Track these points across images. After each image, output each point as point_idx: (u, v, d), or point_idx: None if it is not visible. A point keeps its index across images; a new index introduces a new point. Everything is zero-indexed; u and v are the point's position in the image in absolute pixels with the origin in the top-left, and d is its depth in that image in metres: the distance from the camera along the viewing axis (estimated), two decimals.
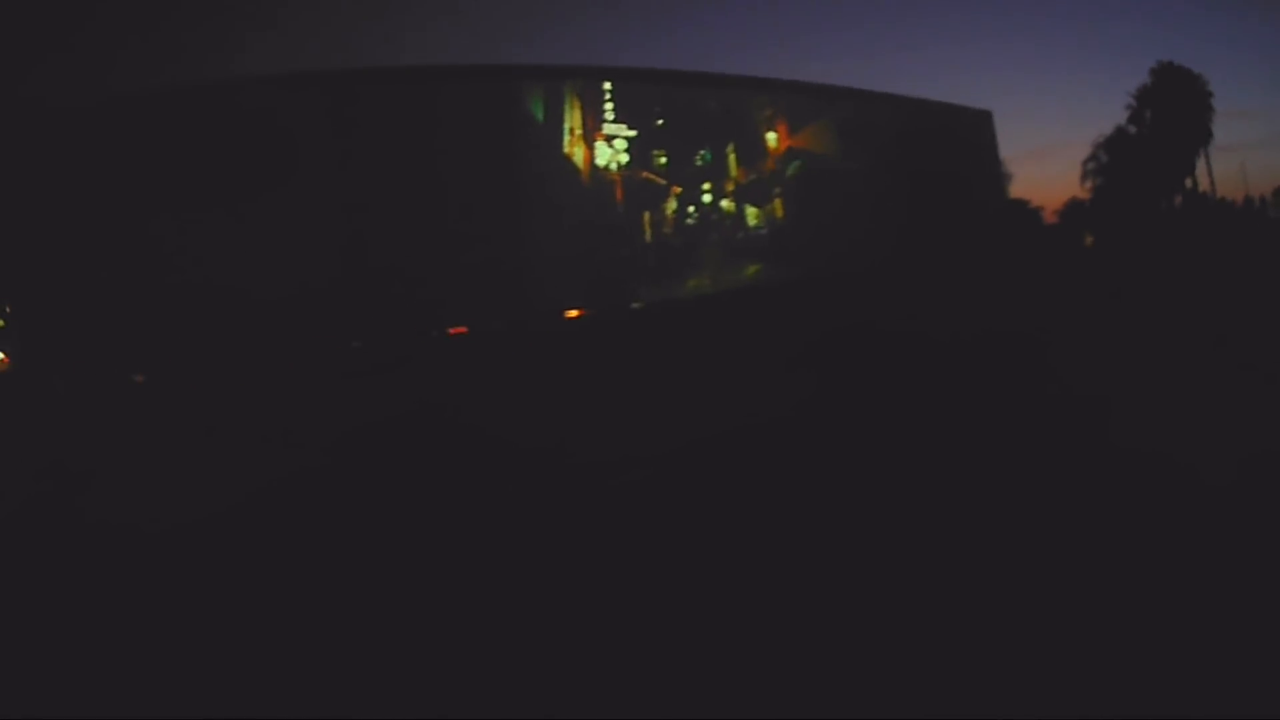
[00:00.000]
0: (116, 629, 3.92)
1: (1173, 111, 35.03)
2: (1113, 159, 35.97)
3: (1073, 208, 38.66)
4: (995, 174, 28.52)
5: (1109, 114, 61.15)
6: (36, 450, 7.02)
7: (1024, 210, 35.93)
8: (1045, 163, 65.82)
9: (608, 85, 18.03)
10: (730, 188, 20.59)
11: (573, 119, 17.58)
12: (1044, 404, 6.82)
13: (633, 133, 18.35)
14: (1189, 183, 35.83)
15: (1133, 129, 36.04)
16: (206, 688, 3.25)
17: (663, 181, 19.11)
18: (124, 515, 5.68)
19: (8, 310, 13.97)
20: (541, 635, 3.52)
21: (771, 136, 21.33)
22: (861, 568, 3.99)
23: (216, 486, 6.31)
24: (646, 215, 18.86)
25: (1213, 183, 36.27)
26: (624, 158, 18.21)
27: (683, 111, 19.50)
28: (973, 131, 26.96)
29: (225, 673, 3.36)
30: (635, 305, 17.65)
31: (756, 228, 20.75)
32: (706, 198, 20.09)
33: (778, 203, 21.14)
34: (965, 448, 5.86)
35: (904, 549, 4.13)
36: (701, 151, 20.12)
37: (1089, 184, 36.65)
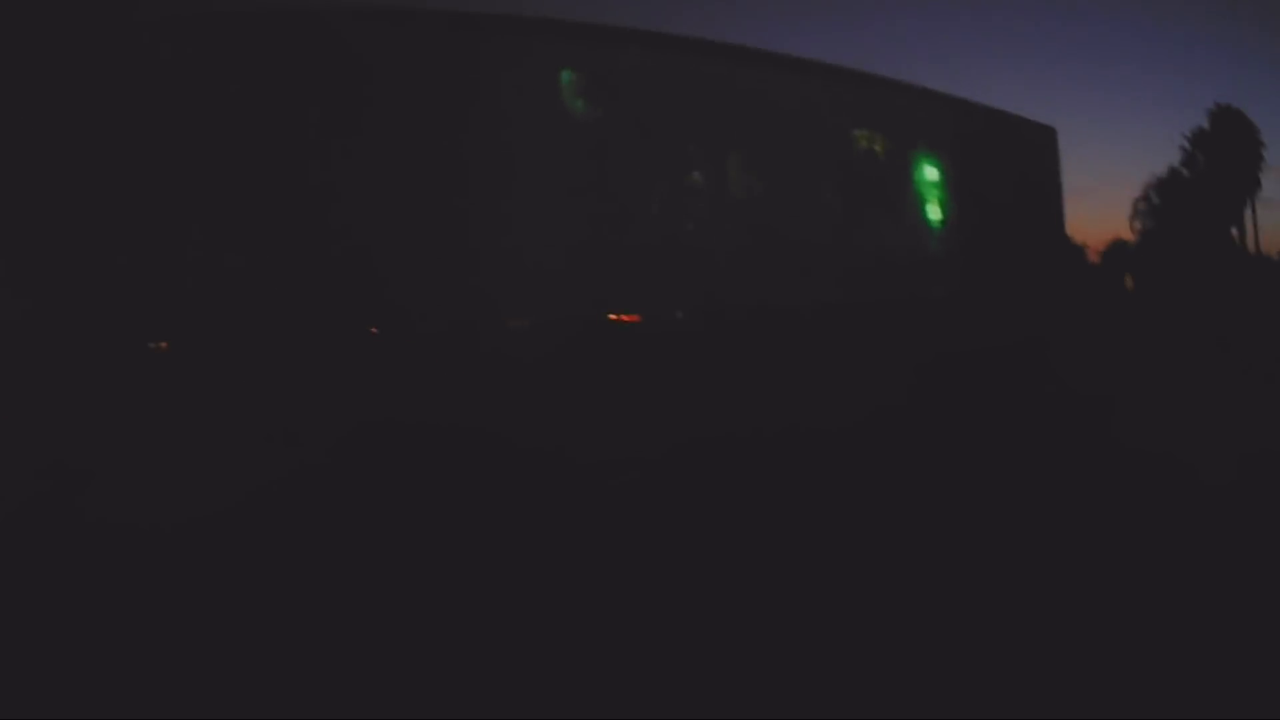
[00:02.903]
0: (116, 629, 3.88)
1: (1225, 157, 34.49)
2: (1164, 202, 35.37)
3: (1116, 248, 38.39)
4: (1057, 197, 26.42)
5: (1157, 158, 61.02)
6: (36, 450, 6.94)
7: (1070, 246, 35.78)
8: (1089, 201, 66.12)
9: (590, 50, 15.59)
10: (756, 181, 17.90)
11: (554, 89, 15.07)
12: (1051, 405, 6.89)
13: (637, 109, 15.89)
14: (1235, 233, 35.39)
15: (1185, 172, 35.36)
16: (207, 688, 3.22)
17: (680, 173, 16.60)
18: (124, 515, 5.63)
19: None
20: (541, 634, 3.51)
21: (810, 123, 18.71)
22: (861, 566, 3.99)
23: (216, 486, 6.26)
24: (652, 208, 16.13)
25: (1257, 236, 35.73)
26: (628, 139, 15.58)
27: (698, 88, 17.01)
28: (1036, 148, 25.14)
29: (225, 673, 3.33)
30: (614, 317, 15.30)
31: (793, 230, 18.02)
32: (733, 190, 17.39)
33: (819, 195, 18.67)
34: (972, 452, 5.90)
35: (905, 547, 4.14)
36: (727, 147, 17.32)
37: (1138, 225, 35.93)
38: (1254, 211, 34.86)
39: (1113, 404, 6.70)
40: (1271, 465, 4.65)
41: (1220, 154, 34.30)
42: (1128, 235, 36.68)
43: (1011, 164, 22.98)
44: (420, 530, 5.24)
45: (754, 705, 2.81)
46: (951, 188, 21.24)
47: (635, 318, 15.15)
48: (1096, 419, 6.29)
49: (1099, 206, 77.02)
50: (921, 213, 20.69)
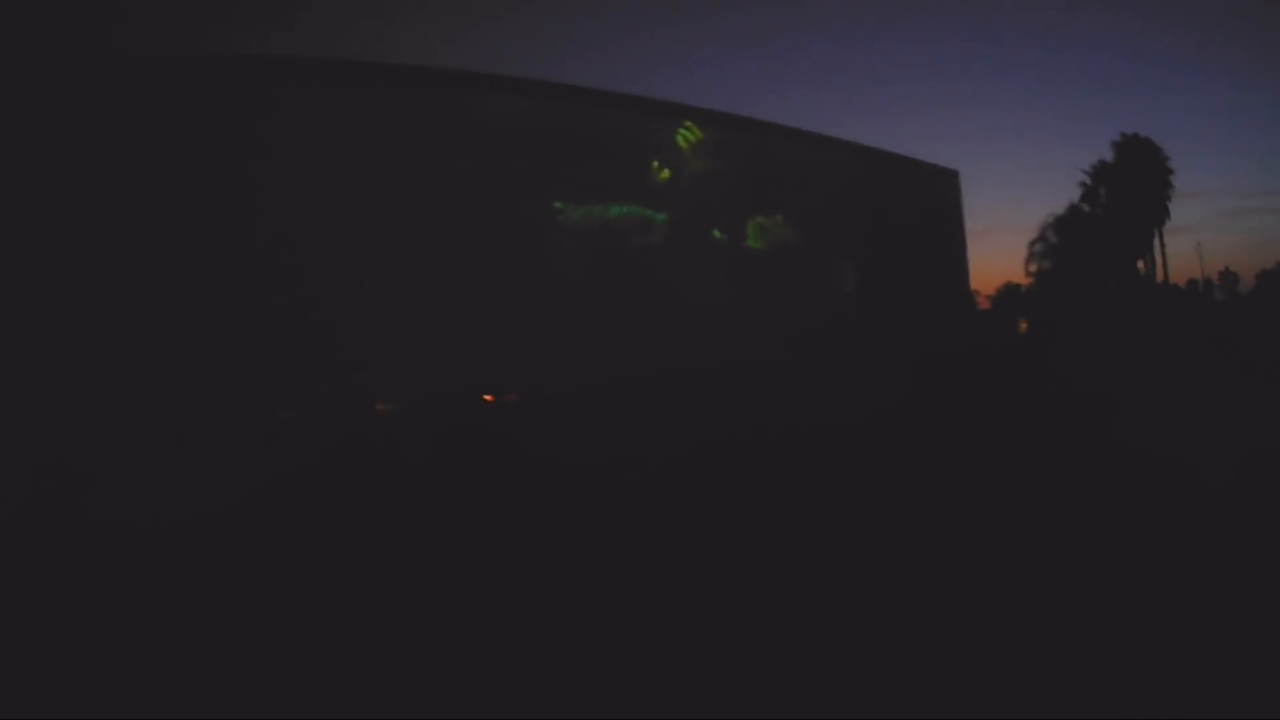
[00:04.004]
0: (117, 629, 3.88)
1: (1131, 188, 33.64)
2: (1063, 240, 34.59)
3: (1007, 293, 37.81)
4: (960, 241, 25.96)
5: (1051, 200, 61.17)
6: (36, 450, 6.95)
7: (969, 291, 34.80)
8: (984, 245, 66.25)
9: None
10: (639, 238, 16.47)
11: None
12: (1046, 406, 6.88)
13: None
14: (1142, 264, 34.64)
15: (1086, 208, 34.41)
16: (207, 687, 3.22)
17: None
18: (124, 515, 5.63)
19: None
20: (541, 631, 3.51)
21: (701, 174, 17.43)
22: (861, 567, 4.00)
23: (216, 486, 6.27)
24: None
25: (1165, 264, 35.04)
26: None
27: (578, 138, 15.58)
28: (939, 192, 24.69)
29: (225, 672, 3.33)
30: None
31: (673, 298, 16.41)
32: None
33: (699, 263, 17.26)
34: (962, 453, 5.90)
35: (904, 547, 4.14)
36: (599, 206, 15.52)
37: (1034, 267, 35.14)
38: (1162, 241, 34.41)
39: (1112, 405, 6.73)
40: (1271, 466, 4.66)
41: (1125, 185, 33.48)
42: (1022, 278, 36.12)
43: (914, 209, 22.48)
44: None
45: (754, 705, 2.81)
46: (850, 236, 20.59)
47: (512, 396, 14.15)
48: (1096, 420, 6.31)
49: (995, 250, 77.72)
50: (824, 266, 19.98)
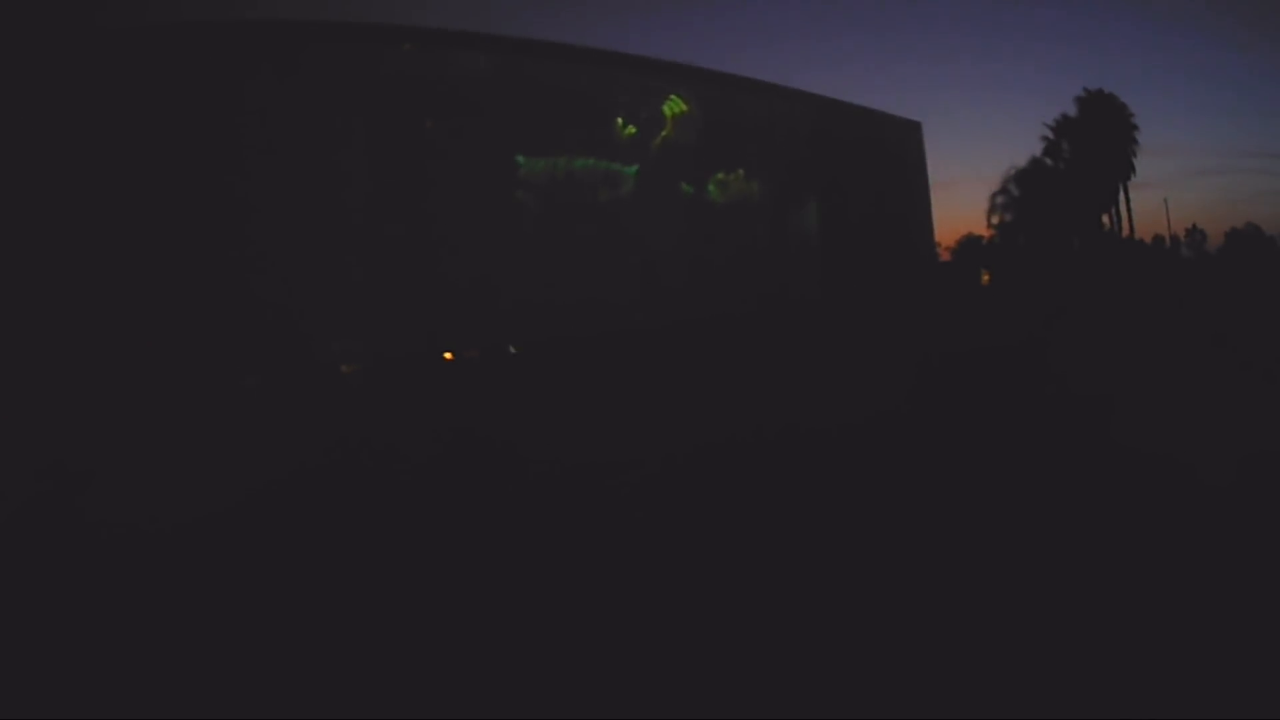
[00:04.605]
0: (117, 629, 3.88)
1: (1095, 143, 33.06)
2: (1024, 193, 34.14)
3: (968, 244, 37.31)
4: (923, 193, 25.65)
5: (1013, 154, 60.43)
6: (36, 450, 6.94)
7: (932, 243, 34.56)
8: (942, 198, 65.79)
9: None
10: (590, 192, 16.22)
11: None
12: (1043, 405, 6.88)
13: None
14: (1107, 219, 34.13)
15: (1048, 161, 33.77)
16: (207, 688, 3.22)
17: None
18: (124, 515, 5.63)
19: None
20: (541, 633, 3.51)
21: (654, 126, 17.15)
22: (861, 567, 4.00)
23: (216, 486, 6.27)
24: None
25: (1131, 219, 34.56)
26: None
27: (532, 93, 15.13)
28: (901, 144, 24.47)
29: (225, 673, 3.33)
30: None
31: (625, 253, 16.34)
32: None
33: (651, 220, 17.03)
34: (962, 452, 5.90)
35: (904, 548, 4.14)
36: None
37: (996, 219, 34.58)
38: (1126, 195, 34.08)
39: (1112, 404, 6.75)
40: (1271, 466, 4.67)
41: (1089, 140, 33.31)
42: (984, 230, 35.62)
43: (876, 161, 22.37)
44: None
45: (754, 705, 2.81)
46: (812, 188, 20.53)
47: (474, 353, 14.29)
48: (1096, 419, 6.32)
49: (957, 203, 77.85)
50: (781, 217, 19.87)
